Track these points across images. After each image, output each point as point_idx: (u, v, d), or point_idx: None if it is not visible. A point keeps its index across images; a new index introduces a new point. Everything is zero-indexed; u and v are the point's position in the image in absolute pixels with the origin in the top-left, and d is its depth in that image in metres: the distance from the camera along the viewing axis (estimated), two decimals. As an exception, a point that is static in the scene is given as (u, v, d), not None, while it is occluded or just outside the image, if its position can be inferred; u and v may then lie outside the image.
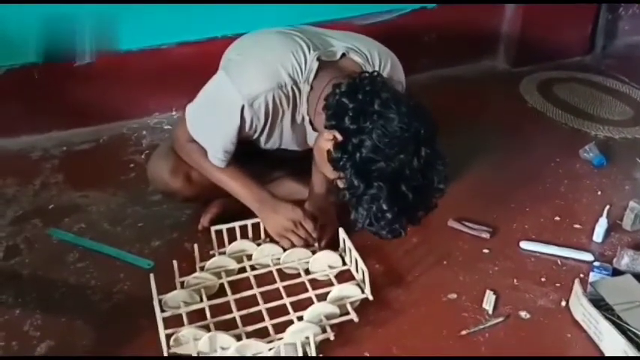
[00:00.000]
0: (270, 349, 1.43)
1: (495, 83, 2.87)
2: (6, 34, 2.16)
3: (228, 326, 1.50)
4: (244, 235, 1.79)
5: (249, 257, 1.76)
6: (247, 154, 1.75)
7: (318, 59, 1.63)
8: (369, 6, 2.63)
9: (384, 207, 1.42)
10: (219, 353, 1.43)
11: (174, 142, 1.81)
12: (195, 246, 1.74)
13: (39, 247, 1.84)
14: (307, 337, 1.44)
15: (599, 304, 1.55)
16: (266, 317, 1.53)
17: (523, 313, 1.63)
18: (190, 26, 2.37)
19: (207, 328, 1.49)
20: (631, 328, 1.48)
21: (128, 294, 1.68)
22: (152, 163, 1.88)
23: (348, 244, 1.69)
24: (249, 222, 1.78)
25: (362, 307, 1.60)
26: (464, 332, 1.57)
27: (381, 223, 1.45)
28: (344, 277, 1.69)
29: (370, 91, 1.48)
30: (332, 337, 1.48)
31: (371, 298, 1.60)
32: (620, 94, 2.79)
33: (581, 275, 1.73)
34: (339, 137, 1.48)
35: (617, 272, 1.72)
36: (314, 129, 1.67)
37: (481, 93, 2.79)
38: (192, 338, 1.44)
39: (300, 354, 1.43)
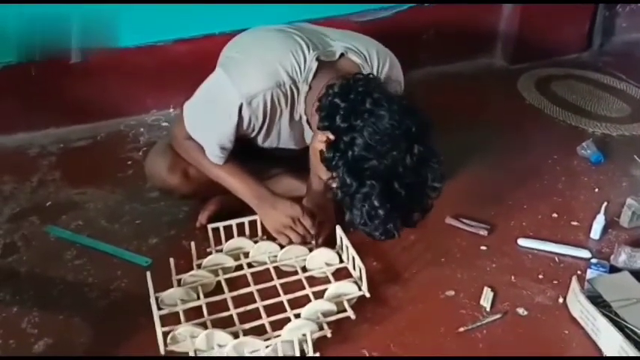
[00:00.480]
0: (268, 347, 1.43)
1: (493, 80, 2.87)
2: (1, 31, 2.16)
3: (225, 324, 1.50)
4: (241, 233, 1.79)
5: (246, 255, 1.76)
6: (245, 151, 1.75)
7: (318, 59, 1.62)
8: (362, 5, 2.63)
9: (376, 204, 1.42)
10: (216, 351, 1.43)
11: (172, 139, 1.81)
12: (192, 243, 1.74)
13: (36, 245, 1.83)
14: (304, 335, 1.44)
15: (597, 300, 1.55)
16: (263, 315, 1.53)
17: (521, 310, 1.63)
18: (188, 23, 2.36)
19: (204, 326, 1.49)
20: (628, 325, 1.48)
21: (126, 291, 1.68)
22: (150, 160, 1.88)
23: (346, 241, 1.69)
24: (246, 219, 1.78)
25: (359, 304, 1.60)
26: (462, 329, 1.57)
27: (374, 222, 1.45)
28: (341, 274, 1.69)
29: (362, 91, 1.49)
30: (329, 335, 1.48)
31: (368, 295, 1.60)
32: (618, 91, 2.78)
33: (579, 272, 1.73)
34: (332, 137, 1.49)
35: (614, 269, 1.72)
36: (311, 128, 1.67)
37: (479, 90, 2.78)
38: (189, 336, 1.44)
39: (298, 351, 1.43)
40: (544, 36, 2.94)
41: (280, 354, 1.43)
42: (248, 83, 1.58)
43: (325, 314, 1.53)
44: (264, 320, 1.52)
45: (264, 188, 1.75)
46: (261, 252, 1.75)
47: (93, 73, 2.33)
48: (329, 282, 1.64)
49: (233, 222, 1.77)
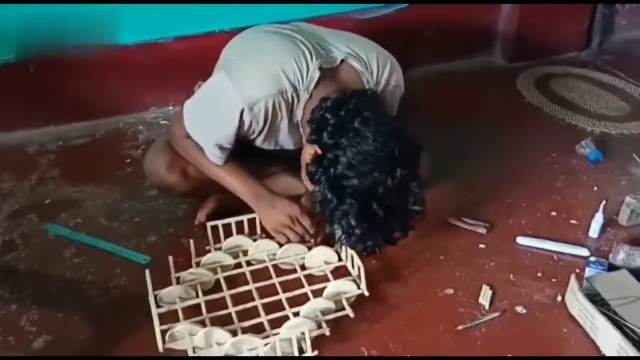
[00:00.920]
0: (266, 345, 1.43)
1: (492, 79, 2.87)
2: (0, 29, 2.16)
3: (223, 322, 1.50)
4: (240, 231, 1.79)
5: (245, 253, 1.76)
6: (244, 150, 1.75)
7: (320, 68, 1.62)
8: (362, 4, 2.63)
9: (353, 223, 1.45)
10: (214, 349, 1.43)
11: (171, 137, 1.80)
12: (191, 241, 1.74)
13: (35, 242, 1.84)
14: (303, 333, 1.44)
15: (595, 299, 1.55)
16: (262, 313, 1.53)
17: (519, 308, 1.63)
18: (188, 21, 2.36)
19: (202, 324, 1.49)
20: (626, 323, 1.48)
21: (124, 289, 1.68)
22: (148, 158, 1.88)
23: (344, 239, 1.69)
24: (245, 217, 1.78)
25: (358, 302, 1.60)
26: (460, 327, 1.57)
27: (352, 238, 1.49)
28: (340, 272, 1.69)
29: (353, 108, 1.50)
30: (327, 333, 1.48)
31: (367, 293, 1.60)
32: (617, 90, 2.78)
33: (577, 270, 1.73)
34: (319, 152, 1.51)
35: (612, 267, 1.72)
36: (305, 137, 1.68)
37: (478, 88, 2.78)
38: (187, 334, 1.44)
39: (296, 349, 1.44)
40: (543, 34, 2.94)
41: (279, 352, 1.43)
42: (251, 89, 1.58)
43: (324, 312, 1.53)
44: (263, 318, 1.52)
45: (262, 187, 1.75)
46: (260, 250, 1.75)
47: (92, 71, 2.33)
48: (328, 280, 1.64)
49: (232, 220, 1.77)
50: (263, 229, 1.79)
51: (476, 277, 1.72)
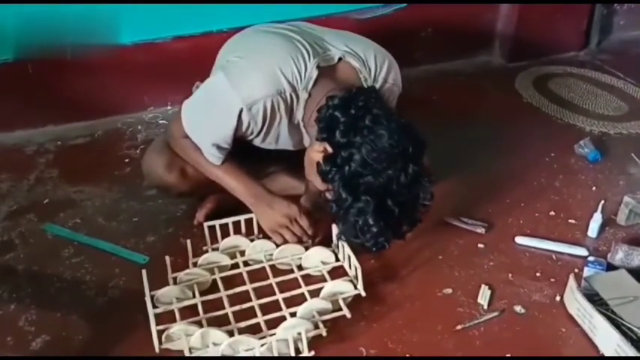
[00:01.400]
0: (263, 345, 1.42)
1: (491, 78, 2.86)
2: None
3: (220, 322, 1.51)
4: (237, 231, 1.79)
5: (242, 253, 1.75)
6: (242, 149, 1.74)
7: (318, 67, 1.62)
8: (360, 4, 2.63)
9: (371, 221, 1.45)
10: (211, 349, 1.43)
11: (170, 137, 1.80)
12: (189, 241, 1.74)
13: (34, 242, 1.83)
14: (299, 333, 1.44)
15: (594, 298, 1.55)
16: (258, 313, 1.53)
17: (518, 308, 1.63)
18: (186, 20, 2.36)
19: (199, 324, 1.49)
20: (625, 323, 1.48)
21: (123, 289, 1.68)
22: (147, 157, 1.87)
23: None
24: (242, 218, 1.78)
25: (356, 302, 1.60)
26: (459, 327, 1.57)
27: (366, 236, 1.48)
28: (337, 273, 1.69)
29: (363, 106, 1.50)
30: (324, 334, 1.48)
31: (363, 294, 1.60)
32: (615, 90, 2.78)
33: (576, 270, 1.73)
34: (330, 150, 1.50)
35: (611, 267, 1.72)
36: (309, 135, 1.67)
37: (476, 88, 2.78)
38: (184, 334, 1.44)
39: (292, 350, 1.43)
40: (542, 34, 2.94)
41: (275, 353, 1.43)
42: (249, 89, 1.58)
43: (321, 313, 1.53)
44: (260, 319, 1.52)
45: (260, 187, 1.75)
46: (257, 250, 1.75)
47: (90, 71, 2.33)
48: (325, 281, 1.64)
49: (229, 220, 1.77)
50: (260, 229, 1.78)
51: (474, 277, 1.72)
